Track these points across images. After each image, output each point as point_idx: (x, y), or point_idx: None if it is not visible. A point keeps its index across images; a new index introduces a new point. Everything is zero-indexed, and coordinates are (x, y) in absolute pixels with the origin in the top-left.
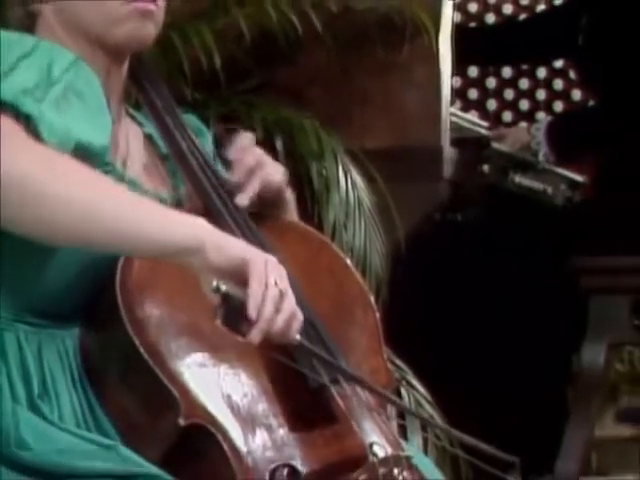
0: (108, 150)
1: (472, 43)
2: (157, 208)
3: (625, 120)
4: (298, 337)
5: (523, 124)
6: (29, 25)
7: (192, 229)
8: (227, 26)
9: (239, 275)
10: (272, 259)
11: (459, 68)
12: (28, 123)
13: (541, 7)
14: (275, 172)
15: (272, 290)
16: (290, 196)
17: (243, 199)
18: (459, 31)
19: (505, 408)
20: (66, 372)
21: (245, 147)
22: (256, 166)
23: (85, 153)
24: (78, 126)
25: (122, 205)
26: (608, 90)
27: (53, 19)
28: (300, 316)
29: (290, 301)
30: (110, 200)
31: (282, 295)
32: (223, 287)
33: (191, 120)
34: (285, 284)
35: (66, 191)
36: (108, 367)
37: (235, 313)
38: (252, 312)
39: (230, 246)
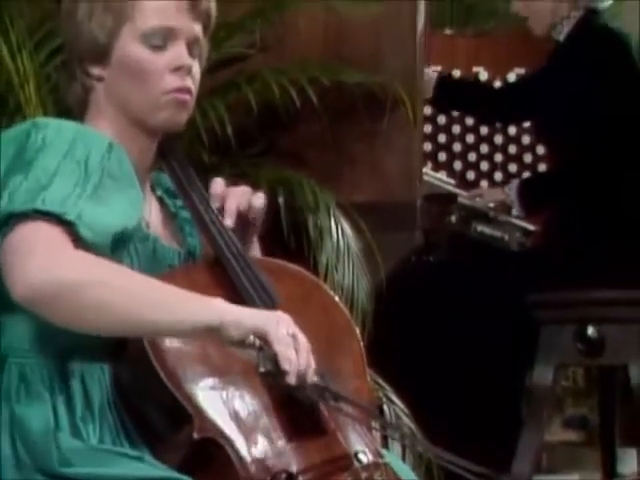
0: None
1: (456, 93)
2: (178, 296)
3: (574, 184)
4: (316, 378)
5: (483, 182)
6: (84, 98)
7: (210, 311)
8: (237, 100)
9: (260, 338)
10: (278, 314)
11: (430, 135)
12: (71, 228)
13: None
14: (255, 196)
15: (287, 339)
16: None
17: (227, 221)
18: (445, 80)
19: (469, 418)
20: (104, 396)
21: (219, 194)
22: (224, 191)
23: (122, 235)
24: (114, 214)
25: (152, 301)
26: (562, 158)
27: (103, 95)
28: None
29: (302, 338)
30: (142, 299)
31: (295, 337)
32: (257, 341)
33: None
34: (294, 328)
35: (116, 301)
36: (137, 391)
37: (271, 362)
38: (286, 366)
39: (246, 319)
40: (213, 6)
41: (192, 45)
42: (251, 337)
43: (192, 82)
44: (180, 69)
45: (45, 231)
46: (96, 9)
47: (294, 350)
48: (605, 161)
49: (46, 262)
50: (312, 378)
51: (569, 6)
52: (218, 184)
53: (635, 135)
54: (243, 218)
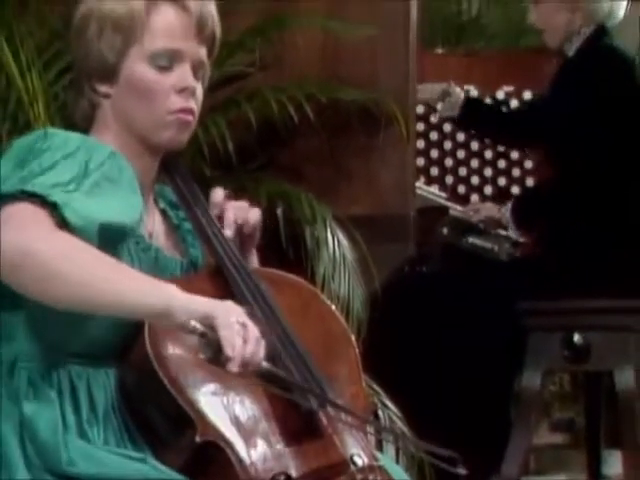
0: (139, 225)
1: (480, 116)
2: (133, 276)
3: (575, 198)
4: (265, 364)
5: (474, 196)
6: (90, 114)
7: (159, 294)
8: (238, 117)
9: (208, 325)
10: (229, 303)
11: (423, 150)
12: (54, 210)
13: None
14: (251, 211)
15: (236, 326)
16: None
17: (226, 231)
18: (471, 101)
19: (460, 422)
20: (108, 400)
21: (218, 202)
22: (223, 201)
23: (114, 230)
24: (107, 208)
25: (105, 278)
26: (563, 172)
27: (109, 112)
28: (263, 342)
29: (252, 329)
30: (95, 276)
31: (244, 326)
32: (199, 327)
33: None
34: (244, 318)
35: (71, 272)
36: (140, 396)
37: (213, 348)
38: (229, 351)
39: (195, 305)
40: (218, 31)
41: (197, 68)
42: (192, 322)
43: (195, 103)
44: (185, 90)
45: (31, 211)
46: (105, 29)
47: (242, 338)
48: (607, 176)
49: (22, 235)
50: (260, 367)
51: (581, 21)
52: (218, 193)
53: (636, 151)
54: (239, 231)
